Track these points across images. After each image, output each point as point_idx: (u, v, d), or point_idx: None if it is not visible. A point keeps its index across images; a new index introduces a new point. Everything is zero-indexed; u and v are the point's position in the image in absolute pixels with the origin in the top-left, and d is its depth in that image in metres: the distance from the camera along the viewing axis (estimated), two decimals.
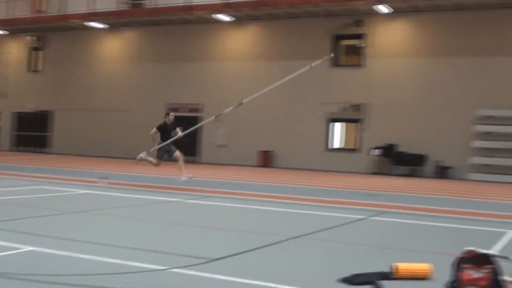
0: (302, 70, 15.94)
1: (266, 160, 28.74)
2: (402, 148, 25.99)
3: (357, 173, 26.13)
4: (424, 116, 25.91)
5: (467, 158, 24.88)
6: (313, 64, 15.74)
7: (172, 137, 15.82)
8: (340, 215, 11.27)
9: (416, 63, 26.52)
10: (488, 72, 24.96)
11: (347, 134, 28.77)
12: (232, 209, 11.83)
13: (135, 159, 16.79)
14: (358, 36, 27.75)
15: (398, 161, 25.78)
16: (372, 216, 11.32)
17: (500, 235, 9.41)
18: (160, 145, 15.64)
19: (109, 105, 33.51)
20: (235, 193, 14.82)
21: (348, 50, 28.82)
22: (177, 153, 15.88)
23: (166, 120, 15.97)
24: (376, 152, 26.09)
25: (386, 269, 6.04)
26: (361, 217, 11.09)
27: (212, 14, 29.25)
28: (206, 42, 30.94)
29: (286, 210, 11.87)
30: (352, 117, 27.49)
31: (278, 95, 28.83)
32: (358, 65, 27.71)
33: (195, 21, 30.78)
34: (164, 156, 15.96)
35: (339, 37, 28.35)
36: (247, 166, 28.13)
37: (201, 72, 31.01)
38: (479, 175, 24.48)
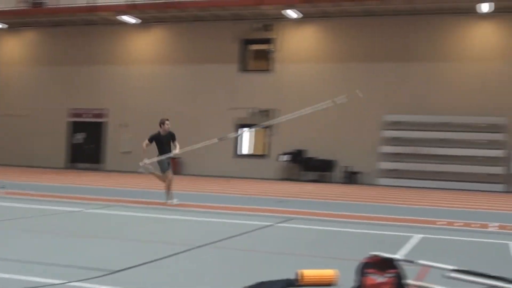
0: (324, 105, 15.09)
1: (174, 167, 28.33)
2: (311, 154, 26.38)
3: (266, 179, 26.30)
4: (333, 121, 26.41)
5: (375, 163, 25.56)
6: (337, 101, 14.85)
7: (169, 150, 14.32)
8: (247, 222, 11.22)
9: (325, 69, 27.02)
10: (396, 77, 25.78)
11: (256, 140, 28.93)
12: (136, 219, 11.55)
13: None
14: (267, 41, 27.99)
15: (307, 166, 26.14)
16: (279, 222, 11.34)
17: (407, 239, 9.63)
18: (159, 158, 14.18)
19: (6, 110, 32.22)
20: (140, 201, 14.53)
21: (256, 55, 29.03)
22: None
23: (160, 130, 14.26)
24: (285, 158, 26.36)
25: (291, 276, 6.02)
26: (268, 223, 11.09)
27: (117, 15, 28.72)
28: (111, 44, 30.34)
29: (192, 218, 11.72)
30: (261, 122, 27.64)
31: (185, 100, 28.71)
32: (266, 70, 27.93)
33: (99, 22, 30.11)
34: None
35: (247, 42, 28.51)
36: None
37: (106, 75, 30.37)
38: (387, 180, 25.21)
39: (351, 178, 25.58)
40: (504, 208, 16.57)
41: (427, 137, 24.99)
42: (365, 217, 12.90)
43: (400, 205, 16.29)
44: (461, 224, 12.16)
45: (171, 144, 14.42)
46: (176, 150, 14.39)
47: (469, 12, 24.78)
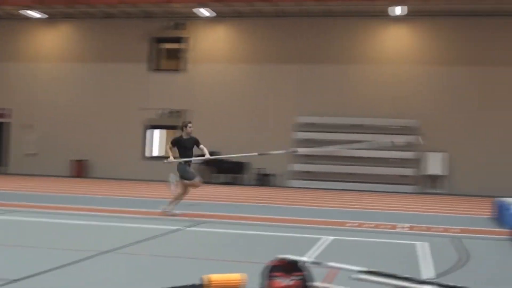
0: (384, 143, 14.09)
1: (80, 170, 27.76)
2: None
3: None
4: (246, 123, 26.53)
5: (287, 165, 25.84)
6: (396, 142, 13.83)
7: (192, 155, 13.40)
8: (155, 226, 11.08)
9: (238, 69, 27.09)
10: (309, 79, 26.16)
11: (166, 141, 28.66)
12: (38, 224, 11.18)
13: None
14: (179, 40, 27.79)
15: (219, 169, 26.12)
16: (188, 226, 11.26)
17: (316, 241, 9.76)
18: (172, 160, 13.14)
19: None
20: (43, 206, 14.09)
21: (168, 54, 28.78)
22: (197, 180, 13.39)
23: (183, 133, 13.30)
24: (197, 160, 26.20)
25: (198, 281, 5.96)
26: (177, 228, 10.98)
27: (22, 10, 27.77)
28: (15, 40, 29.31)
29: (97, 223, 11.45)
30: (171, 123, 27.37)
31: (94, 100, 28.13)
32: (178, 70, 27.73)
33: (3, 16, 29.04)
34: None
35: (158, 40, 28.19)
36: (60, 177, 26.97)
37: (9, 73, 29.31)
38: (300, 181, 25.54)
39: (264, 180, 25.77)
40: (414, 209, 17.10)
41: (340, 139, 25.47)
42: (276, 219, 13.01)
43: (311, 207, 16.53)
44: (371, 225, 12.45)
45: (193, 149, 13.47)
46: (207, 154, 13.44)
47: (382, 15, 25.46)
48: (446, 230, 12.00)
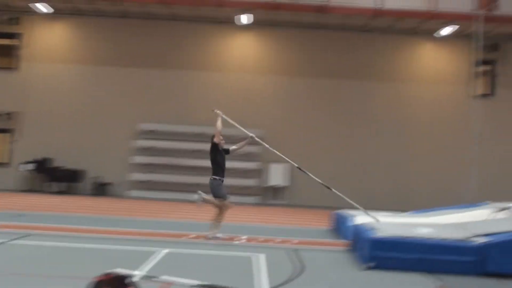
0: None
1: None
2: (59, 163, 25.50)
3: (6, 190, 24.83)
4: (84, 128, 25.82)
5: (127, 174, 25.47)
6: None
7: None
8: None
9: (77, 70, 26.31)
10: (153, 84, 25.97)
11: None
12: None
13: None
14: (12, 36, 26.56)
15: (53, 177, 25.22)
16: (13, 239, 10.76)
17: (150, 254, 9.69)
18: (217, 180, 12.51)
19: None
20: None
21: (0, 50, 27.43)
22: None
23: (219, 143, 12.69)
24: (28, 167, 25.17)
25: None
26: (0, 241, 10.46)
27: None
28: None
29: None
30: (1, 127, 26.04)
31: None
32: (10, 68, 26.49)
33: None
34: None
35: None
36: None
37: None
38: (139, 192, 25.26)
39: (101, 189, 25.20)
40: (254, 221, 17.48)
41: (183, 148, 25.50)
42: (110, 231, 12.77)
43: (149, 219, 16.40)
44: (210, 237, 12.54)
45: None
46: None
47: (229, 22, 25.83)
48: (284, 242, 12.38)
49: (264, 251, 10.72)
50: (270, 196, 25.83)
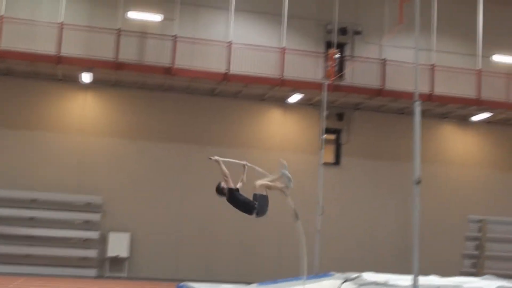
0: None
1: None
2: None
3: None
4: None
5: None
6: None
7: None
8: None
9: None
10: None
11: None
12: None
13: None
14: None
15: None
16: None
17: None
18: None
19: None
20: None
21: None
22: None
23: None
24: None
25: None
26: None
27: None
28: None
29: None
30: None
31: None
32: None
33: None
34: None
35: None
36: None
37: None
38: None
39: None
40: None
41: (12, 215, 24.23)
42: None
43: None
44: None
45: None
46: None
47: (69, 80, 25.16)
48: None
49: None
50: (110, 268, 25.08)
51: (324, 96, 21.04)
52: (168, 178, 25.93)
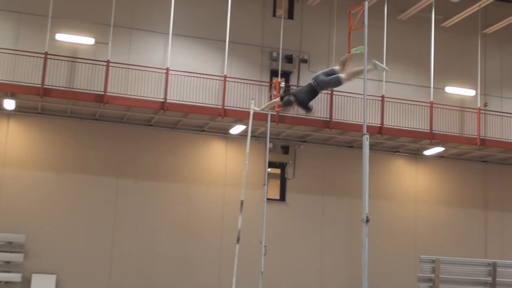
0: None
1: None
2: None
3: None
4: None
5: None
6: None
7: None
8: None
9: None
10: None
11: None
12: None
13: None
14: None
15: None
16: None
17: None
18: None
19: None
20: None
21: None
22: None
23: None
24: None
25: None
26: None
27: None
28: None
29: None
30: None
31: None
32: None
33: None
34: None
35: None
36: None
37: None
38: None
39: None
40: None
41: None
42: None
43: None
44: None
45: None
46: None
47: None
48: None
49: None
50: None
51: (268, 127, 21.00)
52: (99, 215, 25.25)
